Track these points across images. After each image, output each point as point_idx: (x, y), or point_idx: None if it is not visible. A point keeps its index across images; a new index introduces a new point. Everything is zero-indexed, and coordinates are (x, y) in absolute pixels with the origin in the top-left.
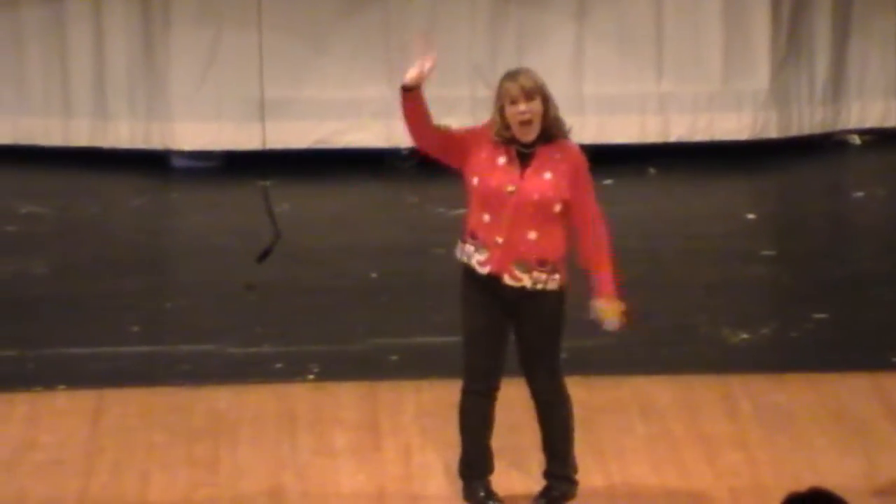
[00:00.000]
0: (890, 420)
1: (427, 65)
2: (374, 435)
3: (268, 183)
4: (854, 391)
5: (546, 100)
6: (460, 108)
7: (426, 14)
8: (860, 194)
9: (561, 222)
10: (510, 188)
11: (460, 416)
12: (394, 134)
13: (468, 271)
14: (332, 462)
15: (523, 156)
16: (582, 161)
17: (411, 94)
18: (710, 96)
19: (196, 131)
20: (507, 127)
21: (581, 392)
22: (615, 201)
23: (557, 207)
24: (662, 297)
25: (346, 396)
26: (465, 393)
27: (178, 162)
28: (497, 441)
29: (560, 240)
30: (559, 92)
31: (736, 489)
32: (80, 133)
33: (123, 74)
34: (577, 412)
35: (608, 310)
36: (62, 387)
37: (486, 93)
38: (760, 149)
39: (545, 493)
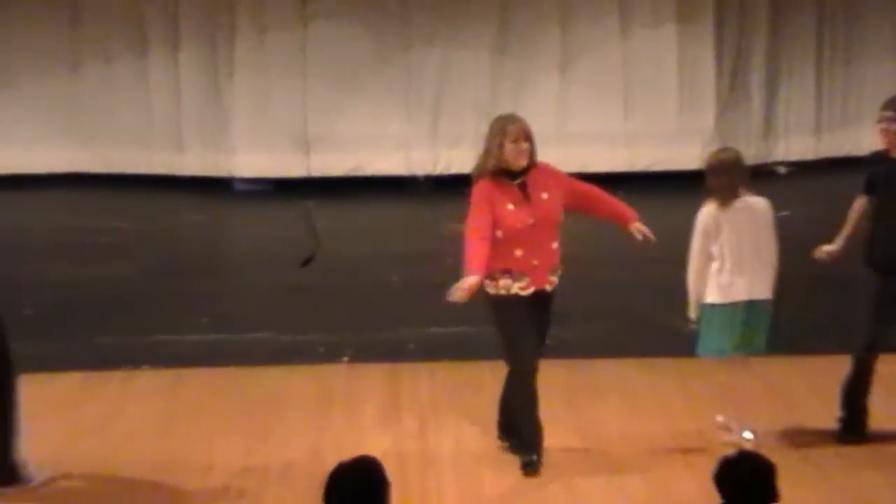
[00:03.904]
0: (814, 395)
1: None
2: (396, 407)
3: (311, 203)
4: (785, 371)
5: (532, 139)
6: (465, 140)
7: (440, 67)
8: (786, 213)
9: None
10: (531, 222)
11: (524, 394)
12: (412, 163)
13: (507, 297)
14: (362, 430)
15: (521, 187)
16: (556, 171)
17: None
18: (668, 133)
19: (253, 161)
20: (503, 159)
21: (563, 373)
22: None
23: (562, 216)
24: (630, 294)
25: (374, 376)
26: (523, 373)
27: (238, 186)
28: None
29: None
30: (547, 129)
31: (690, 451)
32: (160, 163)
33: (195, 116)
34: (561, 391)
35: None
36: (146, 367)
37: (487, 128)
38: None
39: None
